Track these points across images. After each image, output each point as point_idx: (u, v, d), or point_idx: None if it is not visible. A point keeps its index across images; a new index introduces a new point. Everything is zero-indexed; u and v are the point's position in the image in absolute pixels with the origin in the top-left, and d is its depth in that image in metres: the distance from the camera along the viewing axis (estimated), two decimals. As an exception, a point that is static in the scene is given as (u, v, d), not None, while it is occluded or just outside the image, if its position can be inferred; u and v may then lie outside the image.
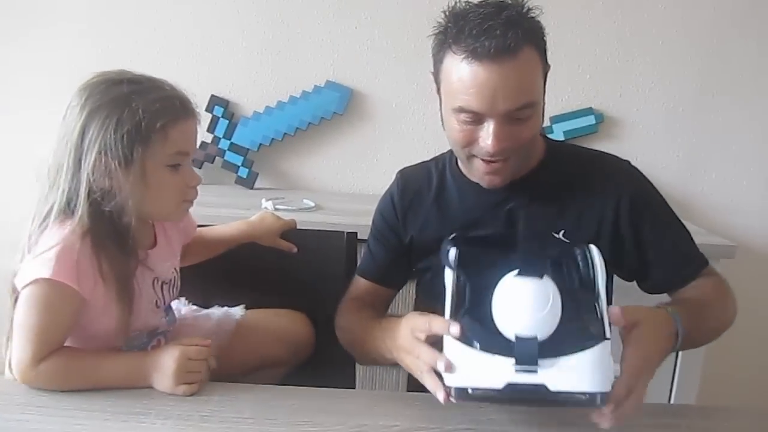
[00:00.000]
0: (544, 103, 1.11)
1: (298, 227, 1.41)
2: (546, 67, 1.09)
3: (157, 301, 1.11)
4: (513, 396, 0.77)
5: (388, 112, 2.20)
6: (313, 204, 1.96)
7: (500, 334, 0.79)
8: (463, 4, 1.07)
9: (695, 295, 1.11)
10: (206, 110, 2.19)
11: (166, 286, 1.14)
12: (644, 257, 1.15)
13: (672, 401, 1.89)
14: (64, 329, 0.99)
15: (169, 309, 1.17)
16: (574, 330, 0.79)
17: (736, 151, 2.24)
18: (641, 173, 1.20)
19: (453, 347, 0.83)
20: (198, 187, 1.08)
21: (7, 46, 2.20)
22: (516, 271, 0.82)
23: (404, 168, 1.32)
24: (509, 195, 1.16)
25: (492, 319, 0.81)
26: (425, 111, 2.17)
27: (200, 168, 2.21)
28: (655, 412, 0.97)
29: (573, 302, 0.82)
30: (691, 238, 1.18)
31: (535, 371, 0.75)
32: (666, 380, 1.88)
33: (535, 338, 0.76)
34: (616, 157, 1.23)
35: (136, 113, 0.95)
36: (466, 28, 1.02)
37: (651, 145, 2.20)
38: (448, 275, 0.92)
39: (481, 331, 0.81)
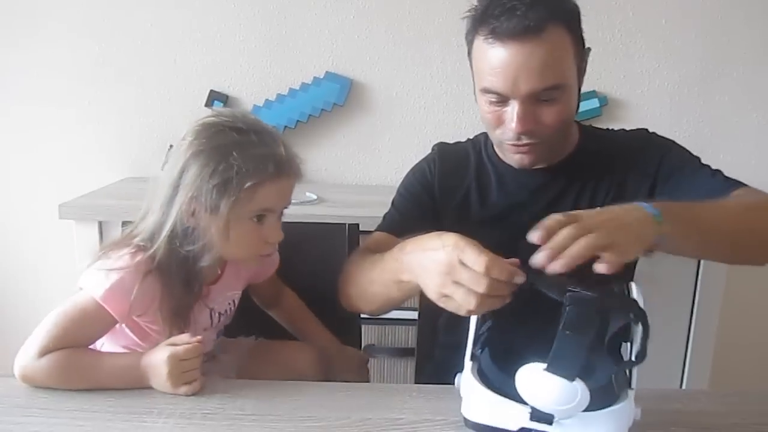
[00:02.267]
0: (579, 87, 1.09)
1: (300, 220, 1.40)
2: (581, 48, 1.06)
3: (206, 327, 1.14)
4: None
5: (389, 102, 2.18)
6: (315, 197, 1.94)
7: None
8: None
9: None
10: (206, 105, 2.18)
11: (222, 316, 1.16)
12: (677, 195, 1.07)
13: (684, 386, 1.87)
14: (84, 339, 1.01)
15: (220, 332, 1.20)
16: (599, 391, 0.75)
17: (741, 132, 2.21)
18: (660, 137, 1.19)
19: (469, 381, 0.84)
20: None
21: (1, 45, 2.19)
22: (545, 366, 0.74)
23: (442, 142, 1.29)
24: (547, 180, 1.15)
25: (510, 364, 0.77)
26: (426, 100, 2.15)
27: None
28: (666, 397, 0.95)
29: (600, 359, 0.78)
30: (721, 172, 1.12)
31: (551, 423, 0.75)
32: (677, 365, 1.87)
33: (552, 416, 0.75)
34: (638, 129, 1.22)
35: (231, 168, 0.96)
36: (491, 8, 1.01)
37: (655, 127, 2.11)
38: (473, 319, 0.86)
39: (499, 373, 0.81)
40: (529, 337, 0.77)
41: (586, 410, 0.73)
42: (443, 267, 0.84)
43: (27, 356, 0.96)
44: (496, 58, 1.01)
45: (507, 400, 0.78)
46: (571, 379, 0.72)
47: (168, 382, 0.95)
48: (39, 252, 2.30)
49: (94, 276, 1.00)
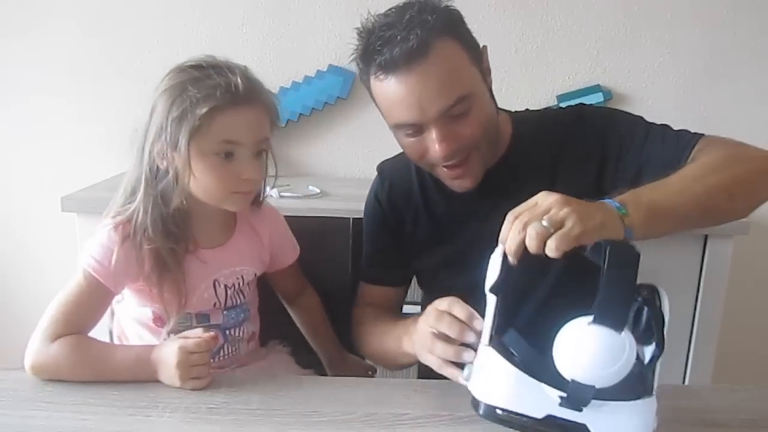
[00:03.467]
0: (490, 87, 1.07)
1: (304, 215, 1.40)
2: (475, 49, 1.04)
3: (215, 303, 1.13)
4: (546, 427, 0.73)
5: (393, 95, 2.17)
6: (318, 191, 1.93)
7: (549, 358, 0.73)
8: (371, 18, 1.03)
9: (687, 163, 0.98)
10: (209, 98, 2.17)
11: (230, 290, 1.14)
12: (635, 167, 1.06)
13: (687, 382, 1.87)
14: (87, 317, 1.02)
15: (235, 311, 1.16)
16: (630, 377, 0.72)
17: (747, 125, 2.19)
18: (588, 107, 1.16)
19: (491, 358, 0.78)
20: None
21: (1, 38, 2.18)
22: (591, 318, 0.71)
23: (382, 162, 1.28)
24: (488, 182, 1.11)
25: (541, 339, 0.74)
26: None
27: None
28: (670, 393, 0.95)
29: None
30: (670, 129, 1.09)
31: (580, 410, 0.71)
32: (680, 361, 1.86)
33: (593, 387, 0.71)
34: (567, 107, 1.19)
35: (186, 99, 0.98)
36: (371, 44, 0.99)
37: (660, 121, 2.11)
38: (491, 300, 0.82)
39: (527, 350, 0.76)
40: (551, 309, 0.76)
41: (614, 398, 0.71)
42: (422, 319, 0.93)
43: (36, 344, 0.97)
44: (393, 91, 0.99)
45: (534, 379, 0.74)
46: (620, 329, 0.69)
47: (176, 375, 0.95)
48: (42, 245, 2.31)
49: (84, 254, 1.04)
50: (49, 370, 0.97)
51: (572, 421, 0.70)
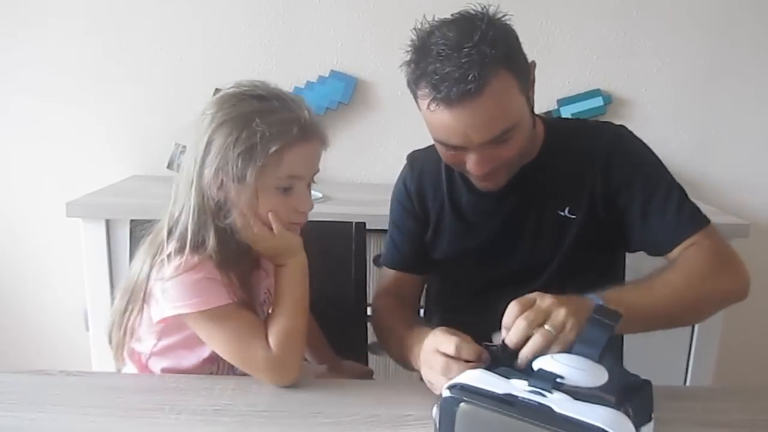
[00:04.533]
0: (532, 99, 1.09)
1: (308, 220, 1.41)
2: (525, 74, 1.05)
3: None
4: (506, 405, 0.71)
5: (394, 100, 2.18)
6: (321, 195, 1.95)
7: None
8: (428, 30, 1.03)
9: (674, 264, 1.06)
10: (211, 104, 2.19)
11: (265, 306, 1.13)
12: (632, 218, 1.12)
13: (688, 383, 1.88)
14: (259, 326, 1.01)
15: None
16: (597, 392, 0.73)
17: (745, 130, 2.21)
18: (627, 135, 1.17)
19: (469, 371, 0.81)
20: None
21: (6, 40, 2.20)
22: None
23: (413, 152, 1.32)
24: (514, 184, 1.14)
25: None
26: (431, 98, 2.15)
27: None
28: (671, 394, 0.96)
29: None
30: (686, 198, 1.12)
31: (545, 396, 0.71)
32: (682, 362, 1.87)
33: (559, 375, 0.74)
34: (609, 124, 1.22)
35: (254, 134, 0.95)
36: (427, 72, 0.98)
37: (660, 125, 2.17)
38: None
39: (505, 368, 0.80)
40: None
41: (581, 399, 0.71)
42: (424, 354, 0.95)
43: (266, 363, 0.98)
44: (442, 119, 1.00)
45: (504, 378, 0.76)
46: (595, 358, 0.77)
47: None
48: (46, 250, 2.32)
49: (184, 301, 0.98)
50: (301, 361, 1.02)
51: (535, 402, 0.70)
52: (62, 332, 2.33)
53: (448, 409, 0.74)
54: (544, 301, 0.87)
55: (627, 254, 1.29)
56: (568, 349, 0.81)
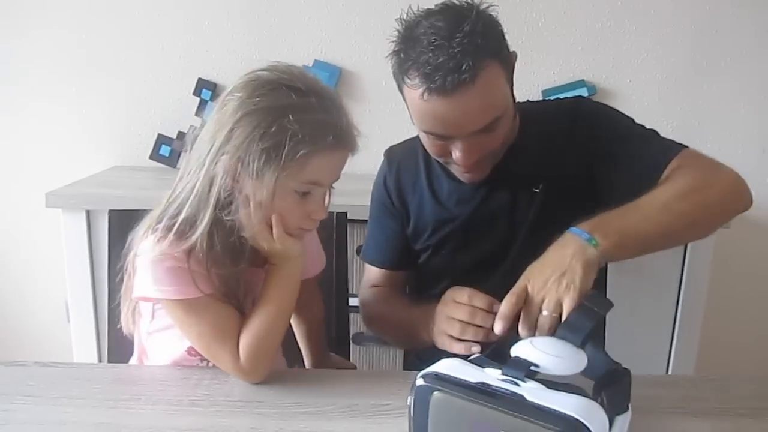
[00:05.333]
0: (513, 97, 1.09)
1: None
2: (509, 66, 1.06)
3: None
4: (478, 393, 0.71)
5: (379, 91, 2.17)
6: (304, 185, 1.93)
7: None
8: (415, 20, 1.02)
9: (661, 182, 1.03)
10: (194, 94, 2.17)
11: None
12: (615, 172, 1.11)
13: (670, 372, 1.89)
14: (233, 320, 0.97)
15: None
16: (572, 380, 0.74)
17: (730, 121, 2.21)
18: (585, 102, 1.21)
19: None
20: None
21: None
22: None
23: (391, 147, 1.32)
24: (493, 171, 1.15)
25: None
26: (416, 88, 2.14)
27: (189, 152, 2.18)
28: (649, 382, 0.96)
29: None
30: (655, 136, 1.12)
31: (518, 385, 0.71)
32: (664, 351, 1.88)
33: (533, 364, 0.74)
34: (567, 99, 1.25)
35: (284, 131, 0.88)
36: (419, 62, 0.97)
37: (644, 116, 2.09)
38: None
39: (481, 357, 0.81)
40: None
41: (555, 389, 0.71)
42: (441, 307, 1.00)
43: (235, 366, 0.95)
44: (433, 109, 0.99)
45: (479, 367, 0.76)
46: (578, 344, 0.78)
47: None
48: (27, 241, 2.29)
49: (151, 286, 0.94)
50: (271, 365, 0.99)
51: (508, 390, 0.70)
52: (43, 324, 2.31)
53: (422, 397, 0.74)
54: (533, 289, 0.88)
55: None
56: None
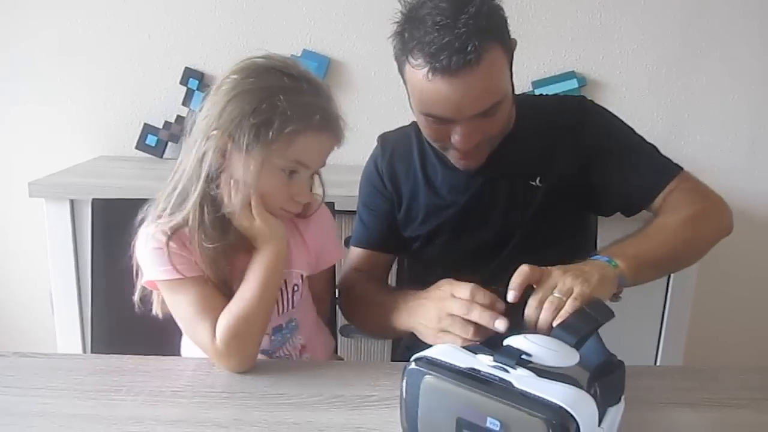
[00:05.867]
0: (512, 84, 1.09)
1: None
2: (511, 52, 1.07)
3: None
4: (467, 378, 0.70)
5: (368, 81, 2.16)
6: (292, 176, 1.92)
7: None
8: (419, 1, 1.02)
9: (662, 210, 1.11)
10: (180, 83, 2.14)
11: (286, 292, 1.07)
12: (608, 180, 1.15)
13: (658, 363, 1.89)
14: (218, 301, 0.97)
15: (278, 331, 1.09)
16: (564, 371, 0.73)
17: (720, 113, 2.21)
18: (591, 104, 1.21)
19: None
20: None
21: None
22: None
23: (384, 133, 1.32)
24: (488, 161, 1.15)
25: None
26: (405, 79, 2.12)
27: (177, 143, 2.16)
28: (638, 373, 0.95)
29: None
30: (658, 151, 1.17)
31: (507, 371, 0.70)
32: (652, 343, 1.88)
33: (525, 353, 0.73)
34: (570, 97, 1.27)
35: (275, 108, 0.92)
36: (424, 42, 0.97)
37: (634, 107, 2.16)
38: None
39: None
40: None
41: (545, 377, 0.70)
42: (437, 303, 0.96)
43: (211, 347, 0.94)
44: (435, 89, 1.00)
45: (471, 353, 0.75)
46: (572, 344, 0.77)
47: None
48: (9, 231, 2.26)
49: (147, 266, 0.98)
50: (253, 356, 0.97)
51: (496, 377, 0.69)
52: (28, 313, 2.29)
53: (413, 381, 0.74)
54: (551, 274, 0.89)
55: (599, 222, 1.32)
56: (580, 305, 0.84)
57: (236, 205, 0.96)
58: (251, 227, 0.98)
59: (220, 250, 0.98)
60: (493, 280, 0.93)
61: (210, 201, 0.97)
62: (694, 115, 2.21)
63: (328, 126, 0.97)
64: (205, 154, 0.95)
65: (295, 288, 1.08)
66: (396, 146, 1.27)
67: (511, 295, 0.88)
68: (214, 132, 0.94)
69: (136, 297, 1.03)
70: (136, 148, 2.18)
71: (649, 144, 1.18)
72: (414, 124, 1.26)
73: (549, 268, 0.90)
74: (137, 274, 1.02)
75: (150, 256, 0.97)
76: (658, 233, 1.04)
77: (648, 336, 1.87)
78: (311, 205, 1.09)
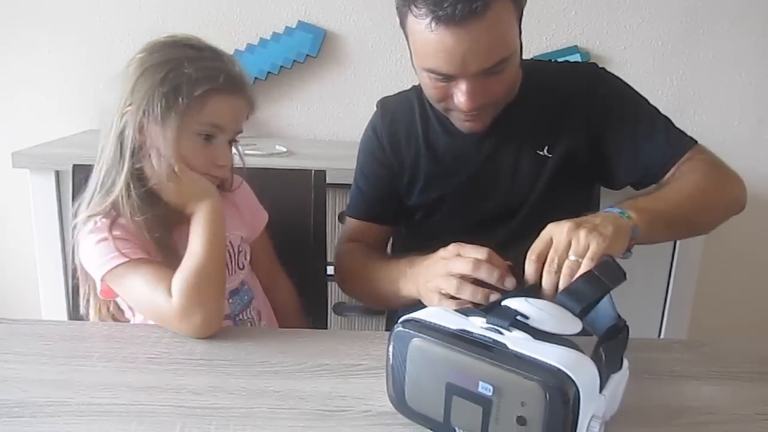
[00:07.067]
0: (521, 44, 1.04)
1: (266, 168, 1.34)
2: (521, 7, 1.01)
3: None
4: (458, 340, 0.65)
5: (365, 54, 2.10)
6: (285, 149, 1.86)
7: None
8: None
9: (676, 175, 1.06)
10: (172, 54, 2.08)
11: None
12: (621, 151, 1.11)
13: (662, 337, 1.85)
14: (167, 272, 0.94)
15: (236, 293, 1.10)
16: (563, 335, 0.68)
17: (725, 89, 2.16)
18: (603, 72, 1.16)
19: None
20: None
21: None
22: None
23: (384, 98, 1.26)
24: (494, 127, 1.10)
25: None
26: (404, 52, 2.03)
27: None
28: (642, 347, 0.91)
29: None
30: (672, 123, 1.12)
31: (501, 333, 0.65)
32: (656, 316, 1.85)
33: (521, 314, 0.67)
34: (582, 63, 1.23)
35: (181, 76, 0.95)
36: None
37: (638, 84, 2.03)
38: None
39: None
40: None
41: (542, 339, 0.65)
42: (442, 262, 0.91)
43: (170, 315, 0.91)
44: (440, 43, 0.94)
45: (463, 315, 0.70)
46: (576, 311, 0.71)
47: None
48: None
49: (102, 256, 0.96)
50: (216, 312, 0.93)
51: (489, 338, 0.64)
52: (13, 286, 2.25)
53: (400, 344, 0.69)
54: (560, 235, 0.83)
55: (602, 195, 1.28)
56: (598, 262, 0.78)
57: (160, 174, 0.96)
58: (179, 193, 0.98)
59: (155, 221, 0.98)
60: (500, 252, 0.88)
61: (136, 178, 0.98)
62: (700, 91, 2.15)
63: (236, 87, 0.99)
64: (122, 133, 0.97)
65: (240, 249, 1.10)
66: (396, 111, 1.21)
67: (530, 269, 0.83)
68: (128, 108, 0.96)
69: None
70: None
71: (663, 114, 1.13)
72: (415, 89, 1.21)
73: (559, 224, 0.84)
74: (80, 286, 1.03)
75: (96, 251, 0.95)
76: (672, 195, 0.99)
77: (652, 307, 1.84)
78: (236, 178, 1.12)
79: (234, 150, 1.07)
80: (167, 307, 0.90)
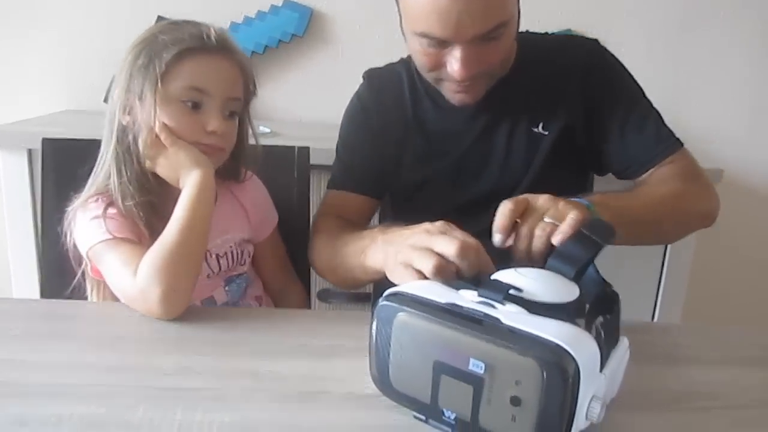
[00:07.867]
0: (519, 13, 0.98)
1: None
2: None
3: (209, 274, 1.03)
4: (447, 315, 0.60)
5: (352, 34, 2.05)
6: (269, 130, 1.80)
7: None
8: None
9: (654, 178, 1.05)
10: (153, 32, 2.01)
11: (221, 259, 1.04)
12: (608, 135, 1.07)
13: (656, 320, 1.82)
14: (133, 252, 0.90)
15: (232, 281, 1.07)
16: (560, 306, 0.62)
17: (720, 79, 2.13)
18: (604, 49, 1.11)
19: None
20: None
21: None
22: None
23: (371, 69, 1.20)
24: (484, 101, 1.05)
25: None
26: (393, 32, 1.97)
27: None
28: (636, 329, 0.86)
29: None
30: (662, 121, 1.08)
31: (494, 307, 0.60)
32: (650, 300, 1.82)
33: (515, 287, 0.62)
34: (582, 37, 1.17)
35: (156, 47, 0.93)
36: None
37: (632, 69, 2.06)
38: None
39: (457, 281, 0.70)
40: None
41: (535, 312, 0.59)
42: (424, 235, 0.79)
43: (133, 290, 0.85)
44: (433, 4, 0.89)
45: (453, 288, 0.65)
46: (570, 275, 0.66)
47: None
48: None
49: (84, 242, 0.94)
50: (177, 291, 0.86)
51: (482, 312, 0.59)
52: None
53: (385, 319, 0.63)
54: (538, 200, 0.79)
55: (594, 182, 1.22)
56: (573, 231, 0.72)
57: (147, 150, 0.94)
58: (169, 165, 0.94)
59: (148, 207, 0.95)
60: (488, 238, 0.81)
61: (128, 159, 0.95)
62: (694, 80, 2.12)
63: (213, 47, 0.94)
64: (113, 117, 0.95)
65: (240, 248, 1.07)
66: (384, 83, 1.15)
67: (497, 239, 0.77)
68: (115, 92, 0.95)
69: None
70: (105, 101, 2.05)
71: (656, 110, 1.09)
72: (403, 61, 1.15)
73: (535, 195, 0.80)
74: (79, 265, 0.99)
75: (86, 228, 0.93)
76: (643, 199, 0.97)
77: (647, 291, 1.81)
78: (248, 160, 1.09)
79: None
80: (130, 284, 0.84)
